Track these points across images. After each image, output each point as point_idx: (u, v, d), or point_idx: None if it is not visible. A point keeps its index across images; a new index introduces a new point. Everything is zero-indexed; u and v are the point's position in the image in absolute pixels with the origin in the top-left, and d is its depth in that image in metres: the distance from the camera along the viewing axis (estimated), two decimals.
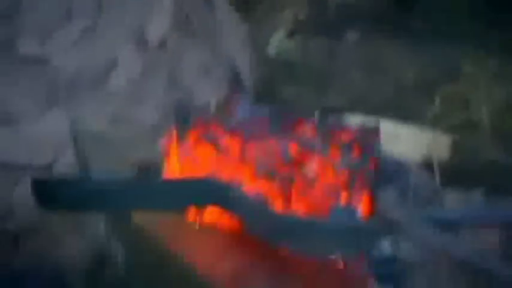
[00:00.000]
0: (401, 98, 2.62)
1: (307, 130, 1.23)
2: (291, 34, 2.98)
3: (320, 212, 1.14)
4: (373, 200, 1.17)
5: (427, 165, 2.10)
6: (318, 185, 1.16)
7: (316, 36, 2.99)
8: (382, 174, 1.20)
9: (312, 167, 1.17)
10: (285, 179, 1.17)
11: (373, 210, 1.17)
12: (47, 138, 1.82)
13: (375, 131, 1.23)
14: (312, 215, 1.14)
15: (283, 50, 2.97)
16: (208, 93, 1.91)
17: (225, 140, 1.23)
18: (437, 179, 2.12)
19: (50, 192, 1.24)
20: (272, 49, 2.91)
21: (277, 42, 2.95)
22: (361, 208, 1.15)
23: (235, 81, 2.18)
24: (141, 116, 1.90)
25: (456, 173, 2.30)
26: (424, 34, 2.85)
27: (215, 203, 1.21)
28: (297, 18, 3.01)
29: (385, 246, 2.07)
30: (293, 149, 1.19)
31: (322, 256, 1.12)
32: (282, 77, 2.81)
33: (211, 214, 1.24)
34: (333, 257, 1.11)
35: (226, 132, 1.23)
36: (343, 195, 1.16)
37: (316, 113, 1.26)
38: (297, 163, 1.18)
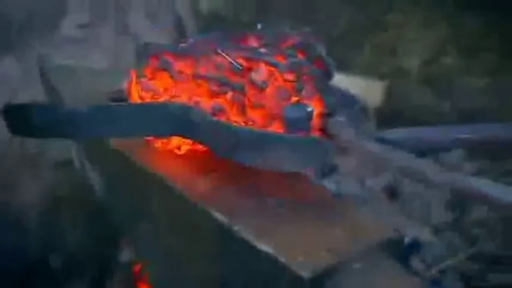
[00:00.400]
0: (333, 48, 2.71)
1: (252, 41, 1.25)
2: None
3: (275, 116, 1.15)
4: (323, 99, 1.18)
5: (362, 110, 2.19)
6: (270, 91, 1.17)
7: None
8: (330, 74, 1.22)
9: (261, 73, 1.18)
10: (237, 90, 1.17)
11: (323, 110, 1.18)
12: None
13: (318, 35, 1.25)
14: (268, 122, 1.15)
15: (215, 7, 3.01)
16: (156, 39, 1.94)
17: (178, 66, 1.22)
18: (373, 122, 2.23)
19: (22, 118, 1.15)
20: (203, 5, 2.94)
21: None
22: (313, 105, 1.17)
23: (180, 30, 2.22)
24: (93, 61, 1.93)
25: (389, 116, 2.42)
26: None
27: (180, 132, 1.18)
28: None
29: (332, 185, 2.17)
30: (241, 59, 1.20)
31: (278, 169, 1.11)
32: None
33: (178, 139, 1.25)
34: (289, 170, 1.12)
35: (178, 58, 1.23)
36: (294, 96, 1.17)
37: (259, 25, 1.28)
38: (247, 73, 1.19)
